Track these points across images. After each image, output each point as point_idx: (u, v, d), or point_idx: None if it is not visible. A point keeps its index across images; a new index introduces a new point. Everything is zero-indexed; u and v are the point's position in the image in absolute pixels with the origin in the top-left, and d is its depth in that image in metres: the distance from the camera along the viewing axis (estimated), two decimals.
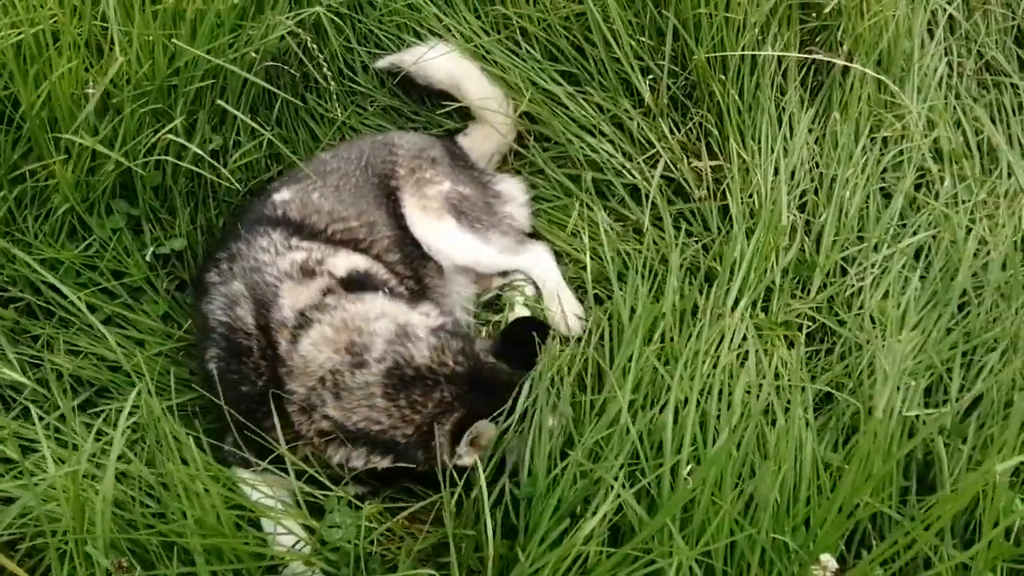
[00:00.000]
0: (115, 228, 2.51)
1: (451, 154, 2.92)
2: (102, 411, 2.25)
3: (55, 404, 2.25)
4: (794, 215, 2.70)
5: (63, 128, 2.39)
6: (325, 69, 2.92)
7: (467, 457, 2.04)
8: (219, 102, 2.62)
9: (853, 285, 2.59)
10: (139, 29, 2.44)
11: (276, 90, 2.81)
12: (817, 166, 2.86)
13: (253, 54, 2.67)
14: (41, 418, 2.17)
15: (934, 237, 2.70)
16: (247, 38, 2.69)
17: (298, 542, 2.02)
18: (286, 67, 2.92)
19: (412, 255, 2.65)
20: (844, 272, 2.65)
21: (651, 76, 2.94)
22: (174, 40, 2.47)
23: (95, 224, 2.48)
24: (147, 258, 2.53)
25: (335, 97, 3.02)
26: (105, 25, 2.52)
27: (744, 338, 2.31)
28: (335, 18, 3.02)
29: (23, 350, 2.34)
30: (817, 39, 3.08)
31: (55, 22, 2.46)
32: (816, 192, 2.81)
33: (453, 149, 2.98)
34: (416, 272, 2.63)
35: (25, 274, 2.39)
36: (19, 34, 2.39)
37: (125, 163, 2.41)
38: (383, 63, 3.11)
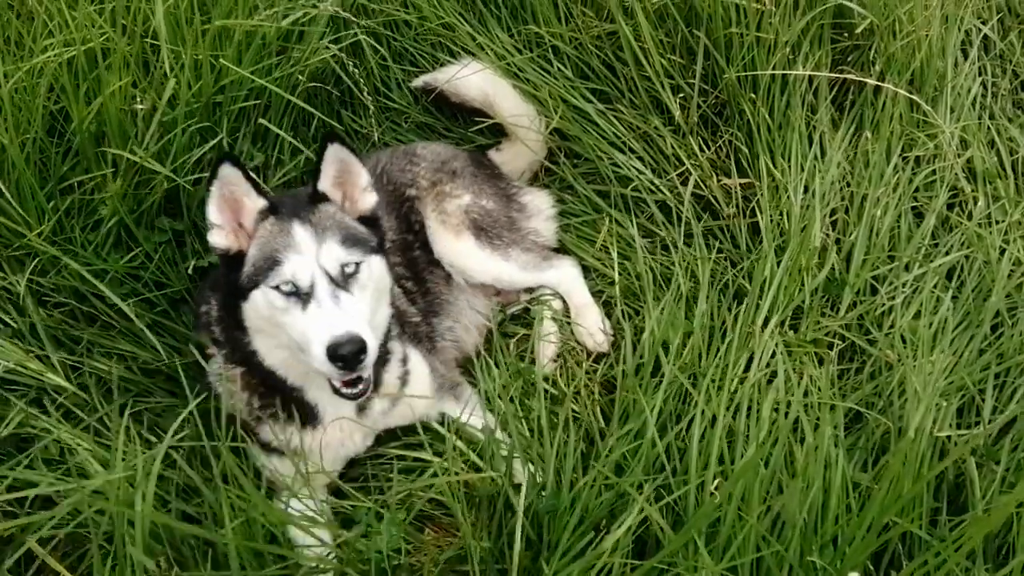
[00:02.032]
0: (160, 241, 2.59)
1: (475, 163, 2.92)
2: (139, 411, 2.33)
3: (95, 407, 2.32)
4: (825, 234, 2.70)
5: (111, 143, 2.48)
6: (362, 84, 2.99)
7: None
8: (263, 121, 2.70)
9: (884, 304, 2.58)
10: (189, 49, 2.53)
11: (313, 110, 2.89)
12: (848, 185, 2.86)
13: (299, 76, 2.74)
14: (82, 420, 2.26)
15: (967, 257, 2.69)
16: (292, 60, 2.77)
17: (329, 553, 2.05)
18: (324, 86, 2.99)
19: (418, 260, 2.67)
20: (874, 291, 2.64)
21: (681, 94, 2.97)
22: (221, 60, 2.55)
23: (142, 236, 2.56)
24: (188, 271, 2.60)
25: (371, 114, 3.09)
26: (154, 43, 2.62)
27: (773, 355, 2.31)
28: (371, 40, 3.10)
29: (64, 355, 2.42)
30: (849, 58, 3.08)
31: (106, 40, 2.56)
32: (847, 211, 2.81)
33: (479, 159, 2.99)
34: (418, 275, 2.64)
35: (71, 282, 2.47)
36: (72, 52, 2.49)
37: (176, 179, 2.49)
38: (418, 82, 3.17)
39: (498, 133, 3.13)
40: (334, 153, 2.10)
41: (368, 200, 2.19)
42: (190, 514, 2.07)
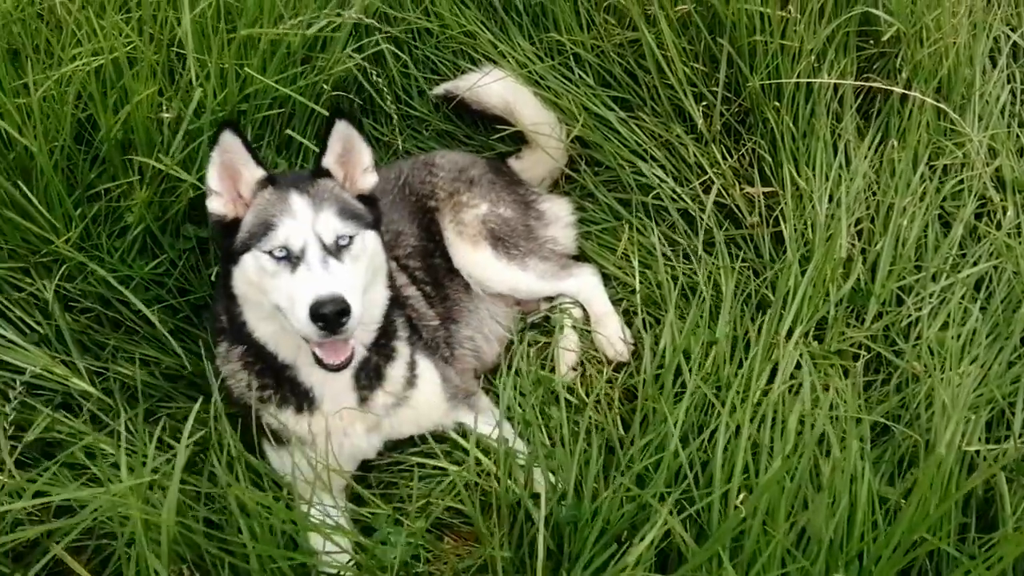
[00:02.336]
0: (184, 248, 2.61)
1: (494, 171, 2.92)
2: (160, 417, 2.35)
3: (118, 411, 2.34)
4: (850, 243, 2.67)
5: (138, 150, 2.51)
6: (385, 93, 3.00)
7: None
8: (289, 132, 2.73)
9: (910, 315, 2.54)
10: (214, 58, 2.55)
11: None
12: (874, 194, 2.82)
13: (323, 85, 2.76)
14: (107, 425, 2.28)
15: (995, 267, 2.64)
16: (316, 69, 2.78)
17: (349, 560, 2.05)
18: (347, 94, 3.01)
19: (438, 267, 2.68)
20: (901, 302, 2.60)
21: (704, 102, 2.95)
22: (246, 69, 2.57)
23: (167, 243, 2.58)
24: (211, 277, 2.62)
25: (393, 122, 3.10)
26: (181, 52, 2.64)
27: (798, 366, 2.28)
28: (393, 48, 3.11)
29: (90, 361, 2.45)
30: (875, 66, 3.05)
31: (133, 49, 2.58)
32: (872, 220, 2.78)
33: (498, 166, 2.99)
34: (438, 282, 2.65)
35: (96, 288, 2.49)
36: (99, 61, 2.52)
37: (201, 187, 2.51)
38: (439, 90, 3.18)
39: (519, 141, 3.13)
40: (341, 130, 2.13)
41: (368, 180, 2.21)
42: (211, 519, 2.08)
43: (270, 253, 1.97)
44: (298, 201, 2.02)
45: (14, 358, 2.31)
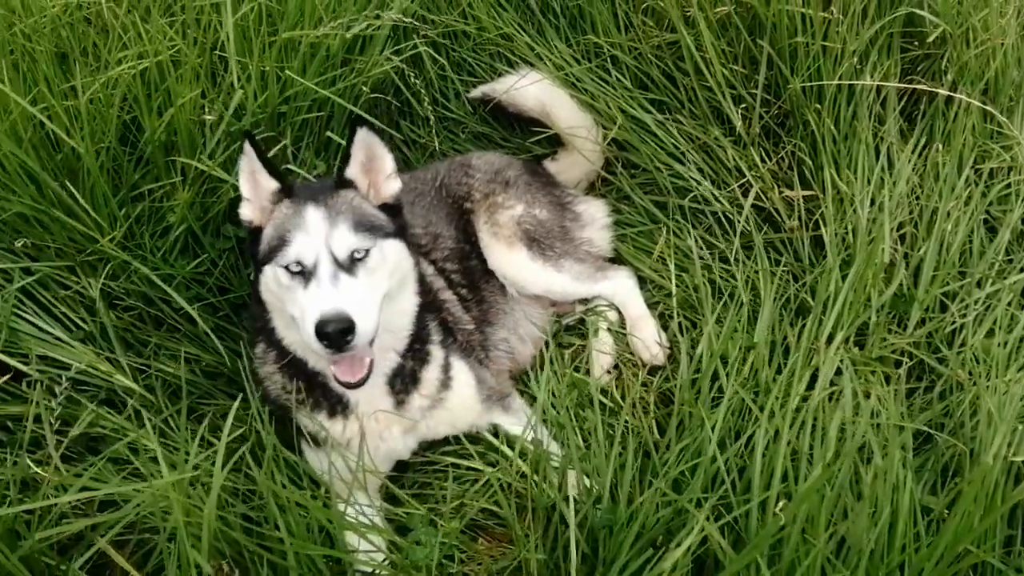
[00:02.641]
0: (225, 248, 2.65)
1: (530, 172, 2.91)
2: (200, 415, 2.39)
3: (160, 408, 2.39)
4: (893, 248, 2.62)
5: (181, 152, 2.55)
6: (423, 95, 3.02)
7: None
8: (328, 134, 2.75)
9: (954, 322, 2.49)
10: (256, 60, 2.58)
11: (374, 121, 2.92)
12: (917, 198, 2.77)
13: (363, 87, 2.79)
14: (149, 419, 2.32)
15: None
16: (354, 71, 2.81)
17: (385, 559, 2.07)
18: (384, 96, 3.03)
19: (474, 269, 2.68)
20: (944, 308, 2.55)
21: (743, 105, 2.92)
22: (286, 71, 2.60)
23: (208, 243, 2.62)
24: (251, 276, 2.65)
25: (430, 124, 3.11)
26: (223, 55, 2.68)
27: (838, 373, 2.25)
28: (430, 50, 3.13)
29: (133, 358, 2.49)
30: (919, 68, 3.00)
31: (176, 52, 2.63)
32: (915, 225, 2.73)
33: (534, 167, 2.99)
34: (474, 284, 2.65)
35: (139, 287, 2.54)
36: (144, 64, 2.56)
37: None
38: (476, 92, 3.19)
39: (556, 143, 3.13)
40: (362, 138, 2.14)
41: (391, 187, 2.21)
42: (249, 516, 2.11)
43: (286, 268, 1.99)
44: (313, 215, 2.02)
45: (60, 354, 2.36)
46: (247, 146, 2.10)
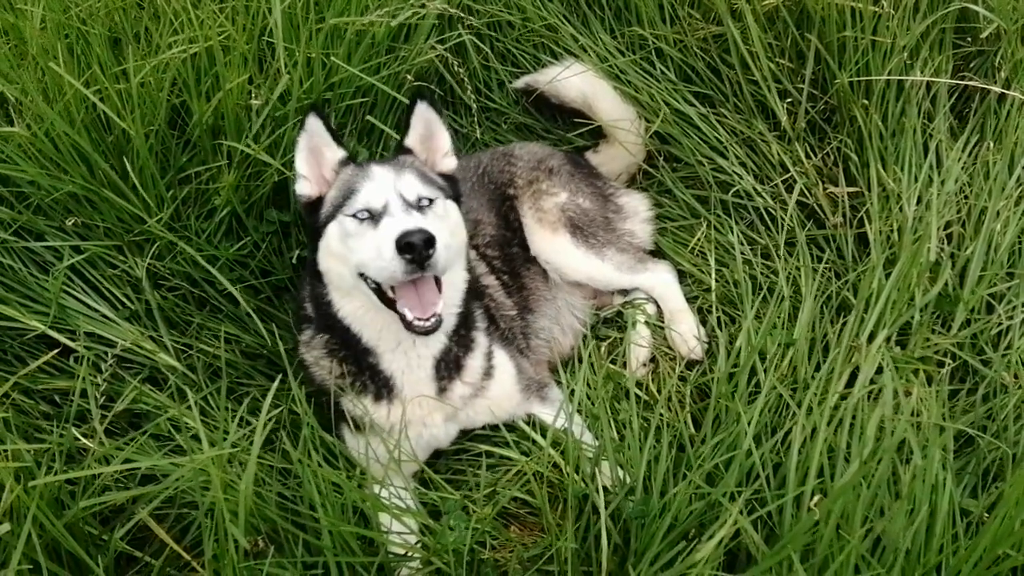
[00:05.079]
0: (268, 231, 2.69)
1: (572, 163, 2.91)
2: (240, 394, 2.43)
3: (201, 386, 2.44)
4: (939, 247, 2.57)
5: (227, 136, 2.59)
6: (466, 84, 3.03)
7: None
8: (370, 118, 2.78)
9: (1001, 323, 2.43)
10: (302, 47, 2.62)
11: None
12: (966, 197, 2.71)
13: (407, 75, 2.81)
14: (191, 397, 2.37)
15: None
16: (399, 59, 2.83)
17: (418, 542, 2.09)
18: (428, 85, 3.05)
19: (515, 257, 2.69)
20: (991, 309, 2.49)
21: (789, 99, 2.88)
22: (332, 58, 2.63)
23: (251, 226, 2.67)
24: (292, 260, 2.70)
25: (473, 113, 3.12)
26: (270, 41, 2.73)
27: (879, 371, 2.21)
28: (475, 40, 3.14)
29: (176, 337, 2.55)
30: (972, 64, 2.93)
31: (225, 38, 2.68)
32: (963, 224, 2.67)
33: (576, 159, 2.99)
34: (515, 271, 2.66)
35: (184, 267, 2.59)
36: (194, 49, 2.61)
37: (285, 172, 2.59)
38: (519, 83, 3.19)
39: (598, 135, 3.12)
40: (422, 111, 2.23)
41: (448, 163, 2.30)
42: (284, 495, 2.14)
43: (354, 215, 2.04)
44: (379, 169, 2.11)
45: (107, 332, 2.43)
46: (310, 121, 2.16)
